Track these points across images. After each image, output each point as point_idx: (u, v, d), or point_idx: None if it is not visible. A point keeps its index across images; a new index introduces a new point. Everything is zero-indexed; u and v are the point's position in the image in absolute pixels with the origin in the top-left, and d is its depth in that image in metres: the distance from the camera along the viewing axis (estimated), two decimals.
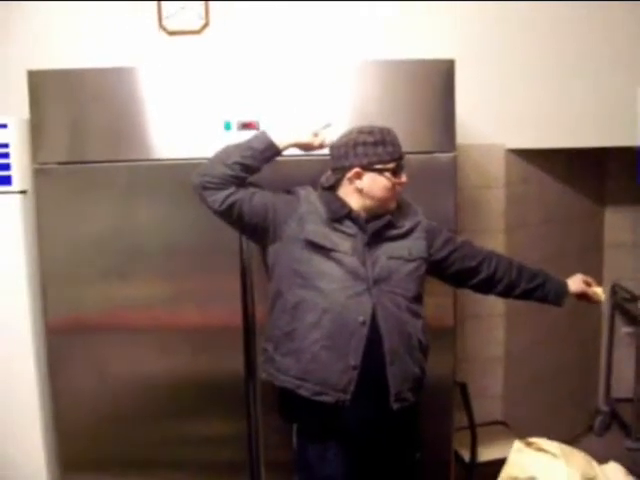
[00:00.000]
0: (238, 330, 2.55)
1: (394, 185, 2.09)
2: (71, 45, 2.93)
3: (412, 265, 2.14)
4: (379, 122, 2.47)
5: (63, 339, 2.57)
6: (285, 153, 2.17)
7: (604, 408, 3.83)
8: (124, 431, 2.63)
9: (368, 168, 2.06)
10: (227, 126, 2.44)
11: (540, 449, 1.30)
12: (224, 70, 2.49)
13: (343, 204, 2.10)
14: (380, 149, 2.06)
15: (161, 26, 2.94)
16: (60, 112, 2.46)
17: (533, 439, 1.32)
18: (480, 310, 3.25)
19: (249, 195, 2.07)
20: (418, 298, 2.18)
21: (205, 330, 2.57)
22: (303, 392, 2.06)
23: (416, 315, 2.15)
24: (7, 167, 2.52)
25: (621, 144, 3.22)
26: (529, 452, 1.31)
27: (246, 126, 2.43)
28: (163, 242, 2.53)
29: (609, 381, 3.89)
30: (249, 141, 2.09)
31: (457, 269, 2.30)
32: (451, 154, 2.52)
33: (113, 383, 2.61)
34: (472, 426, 2.94)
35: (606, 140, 3.20)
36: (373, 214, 2.12)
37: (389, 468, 2.18)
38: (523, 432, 2.69)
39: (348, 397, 2.03)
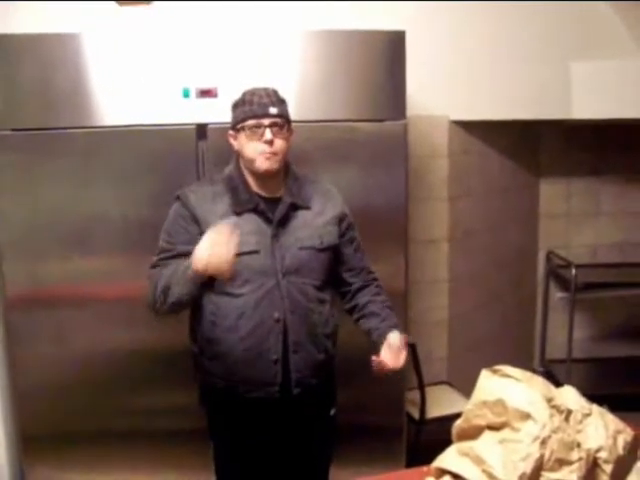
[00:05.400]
0: None
1: (263, 144, 1.97)
2: (31, 13, 2.88)
3: (323, 255, 2.11)
4: (329, 90, 2.58)
5: (22, 312, 2.55)
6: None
7: (540, 369, 4.04)
8: (85, 402, 2.64)
9: (234, 129, 2.04)
10: (185, 93, 2.48)
11: (505, 375, 1.41)
12: (179, 39, 2.51)
13: (250, 193, 2.05)
14: (239, 110, 2.02)
15: None
16: (15, 78, 2.44)
17: (498, 367, 1.43)
18: (424, 277, 3.39)
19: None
20: (326, 284, 2.16)
21: None
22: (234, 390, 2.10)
23: (322, 302, 2.13)
24: None
25: (553, 117, 3.41)
26: (495, 378, 1.40)
27: (205, 93, 2.47)
28: (121, 211, 2.54)
29: (544, 343, 4.10)
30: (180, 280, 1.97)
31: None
32: (401, 122, 2.62)
33: (74, 355, 2.61)
34: (421, 385, 3.07)
35: (539, 113, 3.37)
36: (263, 185, 2.06)
37: (304, 426, 2.21)
38: (466, 391, 2.85)
39: (277, 389, 2.06)
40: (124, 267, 2.57)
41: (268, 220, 2.04)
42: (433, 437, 2.67)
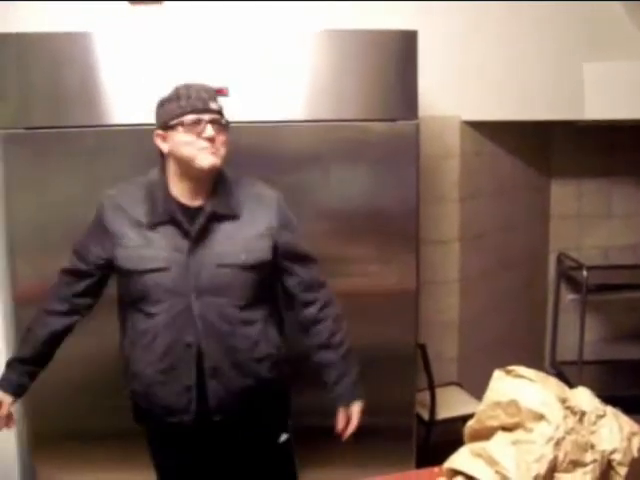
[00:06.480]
0: None
1: (203, 142, 1.80)
2: (40, 10, 2.88)
3: (246, 273, 1.89)
4: (341, 90, 2.57)
5: (32, 310, 2.49)
6: None
7: (551, 370, 4.01)
8: (96, 401, 2.62)
9: (164, 127, 1.84)
10: None
11: (518, 375, 1.40)
12: (190, 38, 2.51)
13: (168, 202, 1.87)
14: (173, 105, 1.82)
15: None
16: (26, 77, 2.44)
17: (512, 367, 1.42)
18: (435, 277, 3.37)
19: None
20: (255, 303, 1.95)
21: None
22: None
23: (249, 323, 1.94)
24: None
25: (565, 118, 3.39)
26: (509, 379, 1.39)
27: (216, 92, 2.45)
28: None
29: (555, 345, 4.08)
30: None
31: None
32: (413, 122, 2.61)
33: (84, 353, 2.57)
34: (431, 386, 3.06)
35: (551, 113, 3.36)
36: (189, 191, 1.88)
37: (244, 455, 2.07)
38: (476, 392, 2.84)
39: (191, 417, 1.94)
40: None
41: (185, 233, 1.86)
42: (443, 438, 2.68)
